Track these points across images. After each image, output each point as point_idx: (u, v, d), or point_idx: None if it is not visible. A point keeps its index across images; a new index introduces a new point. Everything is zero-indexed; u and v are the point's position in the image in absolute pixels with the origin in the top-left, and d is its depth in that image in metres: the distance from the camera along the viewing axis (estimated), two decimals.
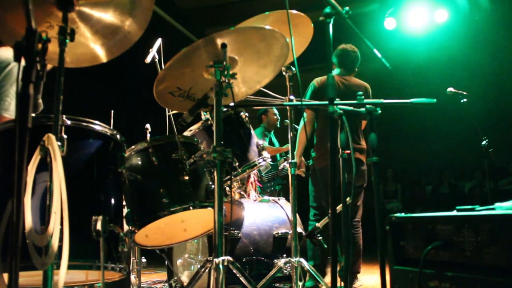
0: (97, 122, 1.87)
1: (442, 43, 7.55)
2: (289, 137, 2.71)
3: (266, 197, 3.57)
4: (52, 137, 1.39)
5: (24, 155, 0.96)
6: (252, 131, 2.86)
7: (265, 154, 2.79)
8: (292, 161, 2.64)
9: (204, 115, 2.83)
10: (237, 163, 2.62)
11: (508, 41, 7.39)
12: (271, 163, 4.34)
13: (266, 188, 4.95)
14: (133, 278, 2.93)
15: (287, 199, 3.17)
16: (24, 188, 0.97)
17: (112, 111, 3.39)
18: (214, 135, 1.91)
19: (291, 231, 2.76)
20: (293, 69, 2.65)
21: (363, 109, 1.87)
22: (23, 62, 1.00)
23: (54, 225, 1.28)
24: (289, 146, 2.70)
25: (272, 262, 2.84)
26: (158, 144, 2.26)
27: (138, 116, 4.53)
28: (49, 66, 2.63)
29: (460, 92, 3.94)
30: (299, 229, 2.92)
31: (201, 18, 8.18)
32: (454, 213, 1.51)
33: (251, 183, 3.57)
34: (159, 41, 2.99)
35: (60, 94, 1.48)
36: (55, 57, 1.50)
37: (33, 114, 1.74)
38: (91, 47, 1.87)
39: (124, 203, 2.16)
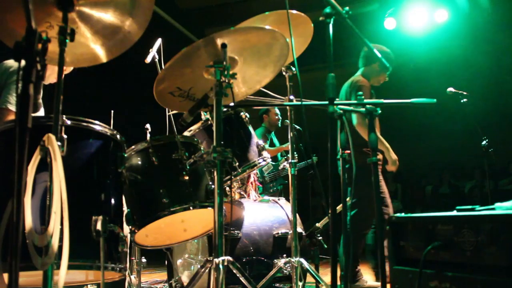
0: (97, 122, 1.87)
1: (442, 43, 7.55)
2: (289, 137, 2.72)
3: (266, 197, 3.57)
4: (52, 137, 1.39)
5: (24, 155, 0.96)
6: (252, 131, 2.86)
7: (265, 154, 2.79)
8: (292, 161, 2.64)
9: (204, 115, 2.82)
10: (237, 163, 2.61)
11: (508, 41, 7.39)
12: (273, 163, 4.35)
13: (269, 189, 4.95)
14: (133, 278, 2.93)
15: (288, 199, 3.17)
16: (24, 188, 0.97)
17: (112, 111, 3.39)
18: (214, 135, 1.91)
19: (291, 231, 2.76)
20: (293, 69, 2.65)
21: (363, 109, 1.87)
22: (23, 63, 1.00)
23: (54, 225, 1.28)
24: (288, 144, 2.71)
25: (272, 262, 2.84)
26: (158, 144, 2.26)
27: (138, 116, 4.53)
28: (68, 70, 2.73)
29: (460, 92, 3.94)
30: (299, 229, 2.92)
31: (201, 18, 8.18)
32: (454, 213, 1.51)
33: (251, 183, 3.57)
34: (159, 41, 2.99)
35: (60, 94, 1.48)
36: (55, 57, 1.50)
37: (42, 113, 1.77)
38: (91, 47, 1.87)
39: (124, 203, 2.16)
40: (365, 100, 1.89)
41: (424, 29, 6.77)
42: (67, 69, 2.78)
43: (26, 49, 0.99)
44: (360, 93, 1.92)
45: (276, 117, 5.37)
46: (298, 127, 4.03)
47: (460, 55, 7.66)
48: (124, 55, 1.93)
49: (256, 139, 2.82)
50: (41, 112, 2.81)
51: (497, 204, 1.50)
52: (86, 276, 1.98)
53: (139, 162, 2.25)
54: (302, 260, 2.51)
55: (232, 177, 2.69)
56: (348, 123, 1.85)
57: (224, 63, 1.92)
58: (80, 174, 1.78)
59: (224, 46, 1.91)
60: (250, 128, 2.85)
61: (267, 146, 5.06)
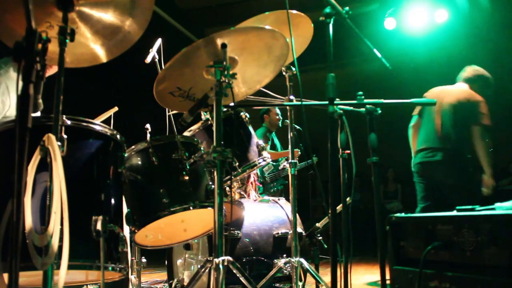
0: (97, 122, 1.87)
1: (442, 43, 7.56)
2: (289, 137, 2.72)
3: (266, 197, 3.57)
4: (52, 137, 1.39)
5: (24, 155, 0.96)
6: (252, 131, 2.86)
7: (265, 154, 2.79)
8: (292, 161, 2.64)
9: (204, 115, 2.83)
10: (237, 163, 2.62)
11: (508, 41, 7.39)
12: (273, 163, 4.34)
13: (270, 189, 4.95)
14: (133, 278, 2.93)
15: (289, 199, 3.17)
16: (24, 188, 0.97)
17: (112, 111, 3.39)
18: (214, 135, 1.91)
19: (291, 231, 2.76)
20: (293, 69, 2.65)
21: (363, 109, 1.87)
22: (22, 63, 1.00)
23: (54, 225, 1.28)
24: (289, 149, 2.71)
25: (272, 262, 2.84)
26: (158, 144, 2.26)
27: (138, 116, 4.53)
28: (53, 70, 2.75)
29: None
30: (299, 229, 2.92)
31: (201, 18, 8.18)
32: (454, 213, 1.51)
33: (251, 183, 3.57)
34: (159, 41, 2.99)
35: (60, 94, 1.48)
36: (55, 57, 1.50)
37: (38, 114, 1.78)
38: (91, 47, 1.88)
39: (124, 203, 2.16)
40: (365, 100, 1.89)
41: (424, 29, 6.77)
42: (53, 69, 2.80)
43: (26, 49, 0.99)
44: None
45: (277, 117, 5.37)
46: (298, 127, 4.03)
47: (460, 55, 7.66)
48: (124, 55, 1.94)
49: (256, 139, 2.82)
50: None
51: (497, 204, 1.50)
52: (86, 276, 1.98)
53: (139, 162, 2.25)
54: (302, 260, 2.52)
55: (232, 177, 2.70)
56: (348, 123, 1.85)
57: (224, 63, 1.92)
58: (80, 174, 1.78)
59: (224, 46, 1.91)
60: (250, 128, 2.85)
61: (268, 147, 5.06)
